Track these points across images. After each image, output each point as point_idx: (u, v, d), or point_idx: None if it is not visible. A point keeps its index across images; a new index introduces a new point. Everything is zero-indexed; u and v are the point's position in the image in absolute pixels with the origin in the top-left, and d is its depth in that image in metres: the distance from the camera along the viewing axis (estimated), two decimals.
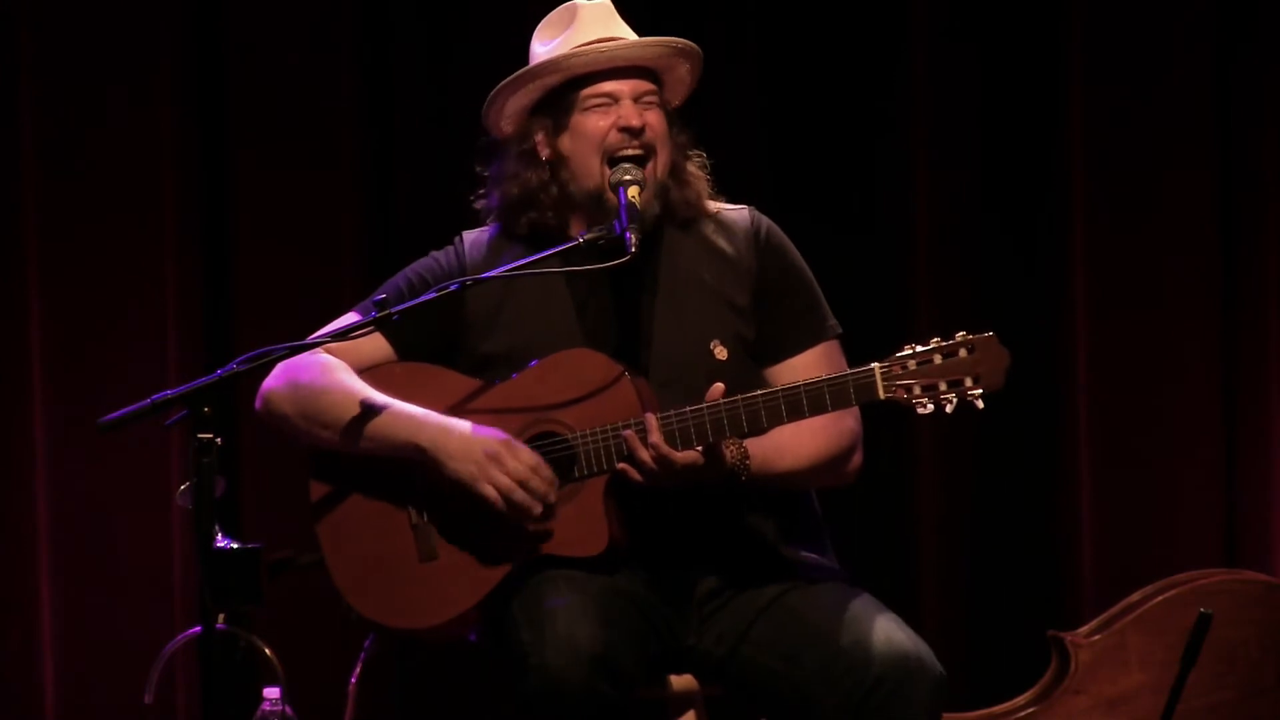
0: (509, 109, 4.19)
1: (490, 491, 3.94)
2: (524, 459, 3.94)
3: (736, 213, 4.23)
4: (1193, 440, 5.79)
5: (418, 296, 4.04)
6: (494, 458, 3.94)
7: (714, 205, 4.23)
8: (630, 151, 4.09)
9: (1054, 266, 5.83)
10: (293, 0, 5.77)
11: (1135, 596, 5.33)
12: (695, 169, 4.20)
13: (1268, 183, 5.75)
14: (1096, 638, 5.30)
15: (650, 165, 4.11)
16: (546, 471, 3.95)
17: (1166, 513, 5.78)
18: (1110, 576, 5.70)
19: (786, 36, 5.83)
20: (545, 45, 4.18)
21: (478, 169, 4.26)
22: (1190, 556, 5.65)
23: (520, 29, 5.61)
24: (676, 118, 4.21)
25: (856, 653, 3.89)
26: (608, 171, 4.09)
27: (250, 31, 5.75)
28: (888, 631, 3.91)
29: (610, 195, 4.07)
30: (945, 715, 3.92)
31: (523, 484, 3.93)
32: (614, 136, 4.09)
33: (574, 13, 4.18)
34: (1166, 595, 5.29)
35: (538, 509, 3.95)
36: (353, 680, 4.29)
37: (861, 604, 3.98)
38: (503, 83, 4.17)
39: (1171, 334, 5.80)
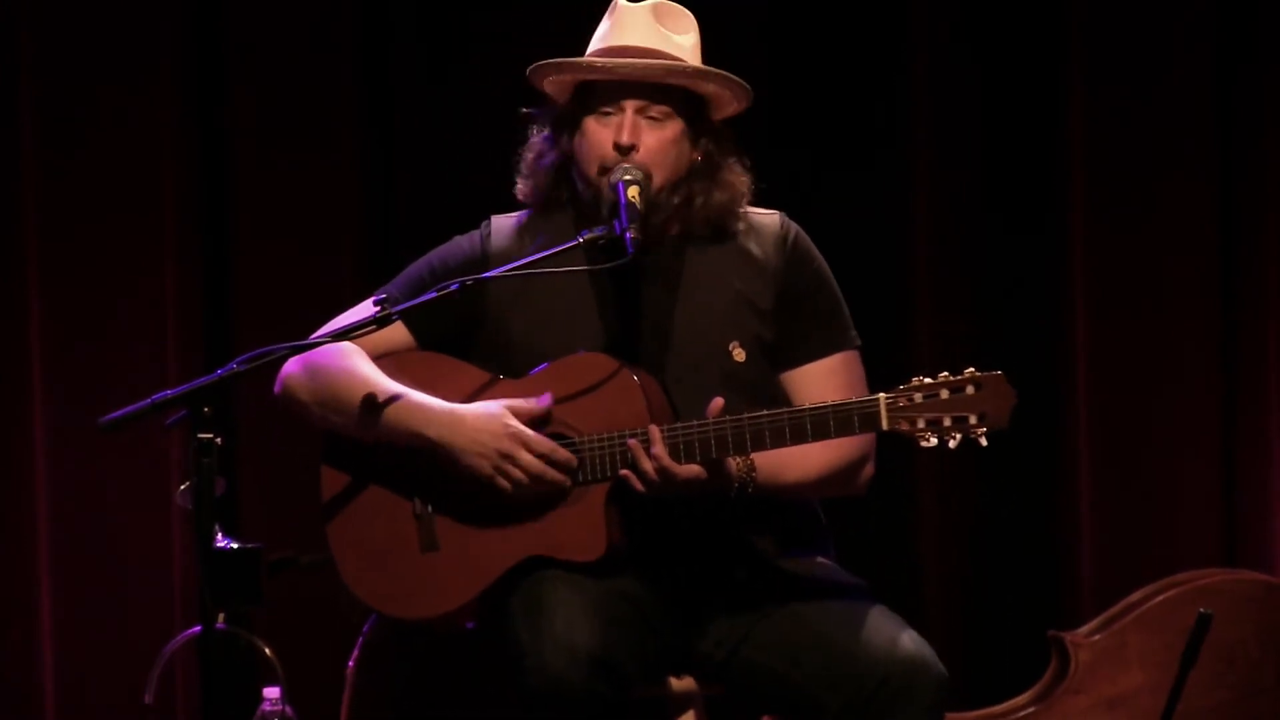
0: (553, 86, 4.14)
1: (505, 484, 3.94)
2: (537, 447, 3.94)
3: (767, 217, 4.19)
4: (1192, 440, 5.79)
5: (440, 282, 4.01)
6: (507, 454, 3.94)
7: (743, 209, 4.19)
8: (625, 171, 4.04)
9: (1054, 266, 5.82)
10: (293, 0, 5.77)
11: (1135, 596, 5.33)
12: (734, 176, 4.14)
13: (1268, 183, 5.75)
14: (1096, 637, 5.30)
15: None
16: (562, 454, 3.94)
17: (1166, 513, 5.78)
18: (1110, 576, 5.69)
19: (786, 37, 5.82)
20: (599, 31, 4.14)
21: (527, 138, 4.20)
22: (1190, 556, 5.64)
23: (520, 29, 5.65)
24: (703, 129, 4.12)
25: (860, 654, 3.89)
26: (605, 180, 4.06)
27: (250, 31, 5.74)
28: (891, 632, 3.91)
29: (608, 196, 4.05)
30: (946, 715, 3.92)
31: (537, 479, 3.94)
32: (608, 151, 4.06)
33: (615, 7, 4.14)
34: (1166, 595, 5.30)
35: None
36: (350, 664, 4.27)
37: (863, 607, 3.98)
38: (534, 65, 4.11)
39: (1171, 334, 5.80)
